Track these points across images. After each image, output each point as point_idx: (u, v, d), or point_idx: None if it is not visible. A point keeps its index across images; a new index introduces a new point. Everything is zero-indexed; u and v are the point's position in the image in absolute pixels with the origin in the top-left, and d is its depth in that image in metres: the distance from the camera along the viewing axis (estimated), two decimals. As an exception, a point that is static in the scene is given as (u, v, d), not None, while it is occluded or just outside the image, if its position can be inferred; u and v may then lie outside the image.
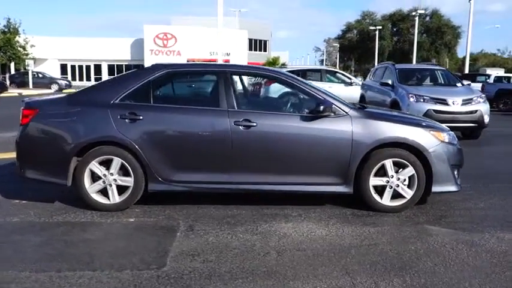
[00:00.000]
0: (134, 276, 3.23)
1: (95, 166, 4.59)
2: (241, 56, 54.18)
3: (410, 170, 4.69)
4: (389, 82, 10.88)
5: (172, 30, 54.06)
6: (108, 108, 4.61)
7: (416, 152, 4.69)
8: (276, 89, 5.79)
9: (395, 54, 59.86)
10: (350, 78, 15.99)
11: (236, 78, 5.00)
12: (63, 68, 55.37)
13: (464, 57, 63.26)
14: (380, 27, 56.10)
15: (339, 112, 4.68)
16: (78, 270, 3.31)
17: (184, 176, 4.65)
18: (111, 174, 4.60)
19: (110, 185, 4.63)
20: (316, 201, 5.03)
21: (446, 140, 4.80)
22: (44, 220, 4.41)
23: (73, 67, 56.02)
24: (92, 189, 4.63)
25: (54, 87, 35.77)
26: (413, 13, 48.48)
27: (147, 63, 52.22)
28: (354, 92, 14.61)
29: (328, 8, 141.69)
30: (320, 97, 4.73)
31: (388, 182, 4.71)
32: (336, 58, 79.10)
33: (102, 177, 4.61)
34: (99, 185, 4.64)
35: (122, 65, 56.88)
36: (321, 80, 15.14)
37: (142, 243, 3.89)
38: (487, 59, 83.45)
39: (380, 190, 4.75)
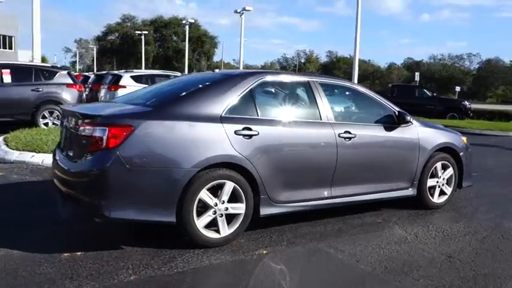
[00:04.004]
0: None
1: (205, 194, 3.79)
2: (-17, 53, 46.22)
3: (450, 170, 5.43)
4: None
5: None
6: (220, 122, 3.86)
7: (454, 154, 5.43)
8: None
9: (160, 59, 61.12)
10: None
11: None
12: None
13: (209, 65, 69.70)
14: (146, 32, 56.35)
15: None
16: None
17: (294, 194, 4.27)
18: (223, 202, 3.87)
19: (221, 215, 3.89)
20: (370, 208, 5.19)
21: (467, 143, 5.71)
22: (171, 272, 3.42)
23: None
24: (201, 223, 3.80)
25: None
26: (183, 21, 50.42)
27: None
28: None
29: (64, 8, 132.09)
30: (394, 108, 5.00)
31: (437, 182, 5.33)
32: (93, 61, 75.45)
33: (213, 206, 3.83)
34: (209, 216, 3.84)
35: None
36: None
37: (331, 273, 3.51)
38: (229, 67, 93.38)
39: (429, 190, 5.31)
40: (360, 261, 3.73)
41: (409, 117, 4.88)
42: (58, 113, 11.24)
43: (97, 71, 59.73)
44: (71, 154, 3.90)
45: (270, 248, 3.93)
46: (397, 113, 4.94)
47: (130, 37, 59.75)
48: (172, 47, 60.96)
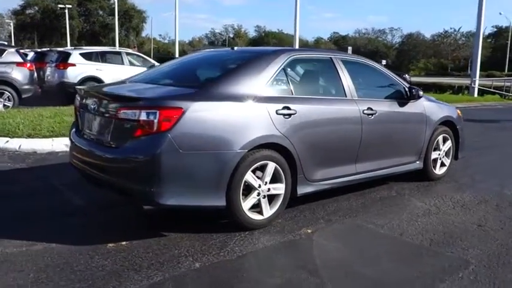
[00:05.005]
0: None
1: (250, 176, 3.71)
2: None
3: (449, 143, 5.71)
4: None
5: None
6: (262, 102, 3.77)
7: (452, 127, 5.71)
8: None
9: (86, 35, 57.89)
10: (152, 61, 15.18)
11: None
12: None
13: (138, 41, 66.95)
14: (69, 6, 52.92)
15: (416, 96, 5.19)
16: None
17: (325, 172, 4.30)
18: (265, 183, 3.82)
19: (264, 197, 3.84)
20: (377, 182, 5.32)
21: (461, 115, 6.00)
22: (232, 256, 3.34)
23: None
24: (246, 205, 3.74)
25: None
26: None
27: None
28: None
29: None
30: (403, 83, 5.13)
31: (439, 154, 5.59)
32: (10, 36, 69.57)
33: (257, 188, 3.77)
34: (253, 198, 3.78)
35: None
36: (122, 63, 13.93)
37: (385, 248, 3.61)
38: (156, 42, 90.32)
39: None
40: (403, 234, 3.85)
41: (421, 93, 5.04)
42: (9, 94, 10.43)
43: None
44: (105, 139, 3.63)
45: (311, 227, 3.95)
46: (407, 88, 5.07)
47: (52, 11, 55.81)
48: (98, 21, 57.77)
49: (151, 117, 3.28)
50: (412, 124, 5.13)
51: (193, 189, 3.45)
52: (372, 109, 4.58)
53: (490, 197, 5.00)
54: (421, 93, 5.04)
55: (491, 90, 20.41)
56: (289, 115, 3.89)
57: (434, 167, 5.56)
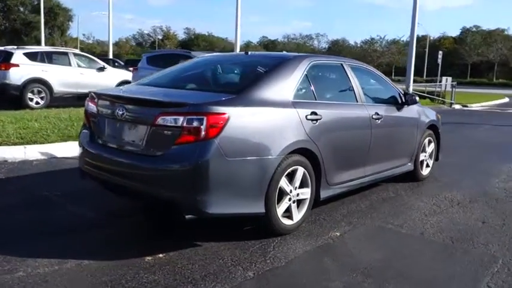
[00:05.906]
0: None
1: (284, 182, 3.72)
2: None
3: (433, 145, 6.05)
4: None
5: None
6: (293, 107, 3.79)
7: (435, 131, 6.06)
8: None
9: (5, 33, 54.11)
10: (101, 63, 14.42)
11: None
12: None
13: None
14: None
15: (409, 101, 5.45)
16: None
17: (342, 176, 4.40)
18: (295, 188, 3.85)
19: (294, 202, 3.87)
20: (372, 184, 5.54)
21: (440, 119, 6.37)
22: (281, 263, 3.32)
23: None
24: (280, 211, 3.74)
25: None
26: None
27: None
28: (109, 78, 13.64)
29: None
30: (398, 89, 5.37)
31: (425, 156, 5.91)
32: None
33: (289, 193, 3.79)
34: (286, 203, 3.80)
35: None
36: (69, 65, 13.17)
37: (417, 248, 3.77)
38: (74, 43, 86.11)
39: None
40: (423, 234, 4.03)
41: (417, 98, 5.31)
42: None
43: None
44: (138, 147, 3.46)
45: (337, 230, 4.02)
46: (402, 93, 5.32)
47: (-33, 6, 51.58)
48: (19, 19, 54.25)
49: (197, 124, 3.17)
50: (408, 128, 5.38)
51: (237, 196, 3.39)
52: (378, 114, 4.75)
53: (477, 195, 5.34)
54: (417, 98, 5.30)
55: (424, 94, 21.71)
56: (316, 120, 3.94)
57: (421, 168, 5.86)
